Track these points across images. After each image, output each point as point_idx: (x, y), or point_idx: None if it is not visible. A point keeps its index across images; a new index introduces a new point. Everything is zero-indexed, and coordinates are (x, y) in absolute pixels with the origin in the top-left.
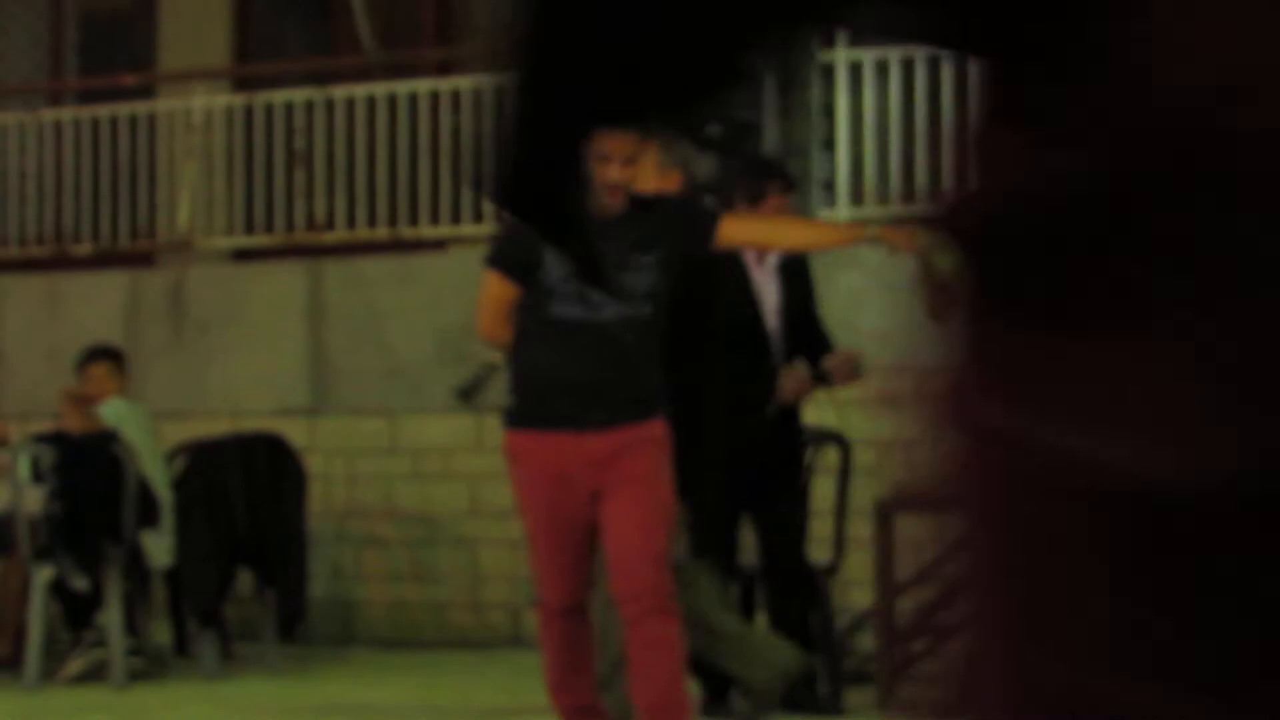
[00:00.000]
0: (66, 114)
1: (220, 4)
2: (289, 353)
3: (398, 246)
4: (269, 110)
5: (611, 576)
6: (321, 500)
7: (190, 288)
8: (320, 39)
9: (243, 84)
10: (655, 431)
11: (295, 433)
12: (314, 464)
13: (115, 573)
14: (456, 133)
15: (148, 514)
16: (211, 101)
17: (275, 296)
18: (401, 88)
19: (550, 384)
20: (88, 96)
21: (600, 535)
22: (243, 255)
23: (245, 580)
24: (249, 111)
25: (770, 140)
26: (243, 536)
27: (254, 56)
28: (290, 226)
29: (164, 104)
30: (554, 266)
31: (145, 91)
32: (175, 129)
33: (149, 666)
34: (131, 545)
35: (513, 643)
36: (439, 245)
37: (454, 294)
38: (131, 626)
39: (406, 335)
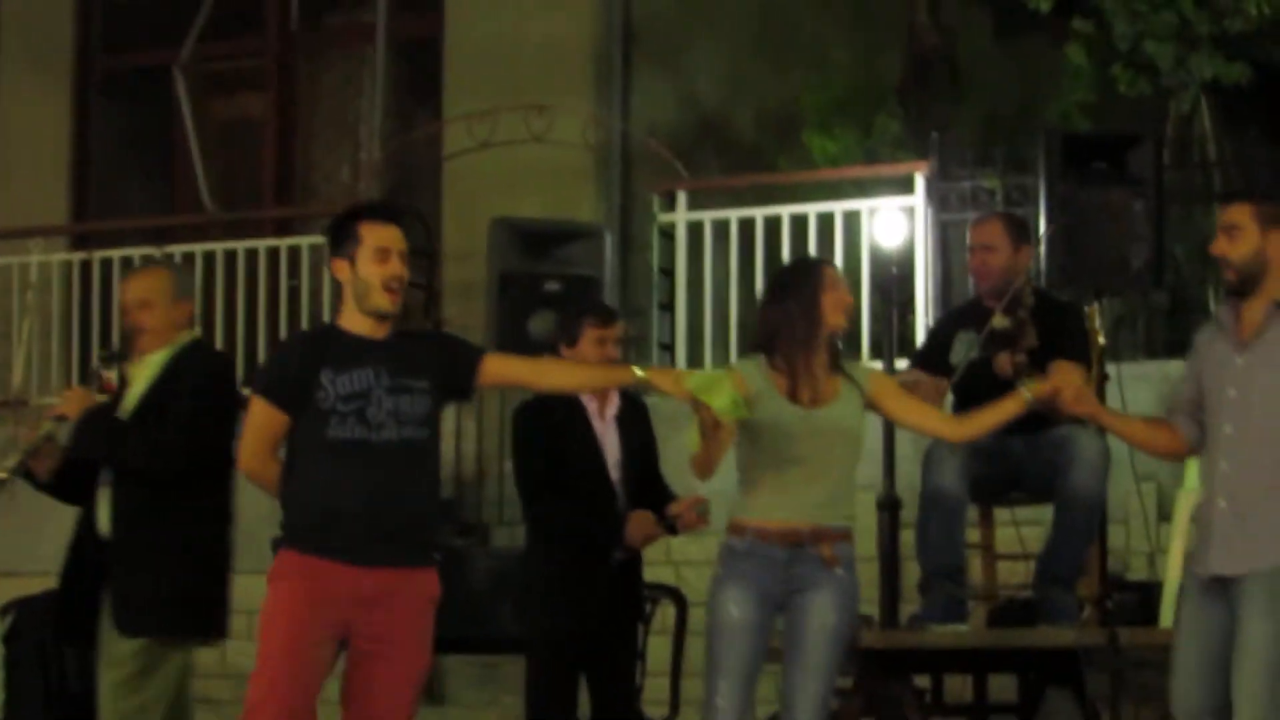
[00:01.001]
0: None
1: (59, 161)
2: None
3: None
4: (107, 267)
5: None
6: None
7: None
8: (160, 197)
9: (80, 241)
10: (428, 585)
11: None
12: None
13: None
14: (294, 291)
15: None
16: (49, 258)
17: None
18: (240, 246)
19: (326, 509)
20: None
21: (346, 685)
22: None
23: None
24: (86, 268)
25: (610, 300)
26: (75, 693)
27: (93, 214)
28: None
29: (0, 260)
30: (334, 385)
31: None
32: (12, 285)
33: None
34: None
35: None
36: None
37: None
38: None
39: (241, 493)
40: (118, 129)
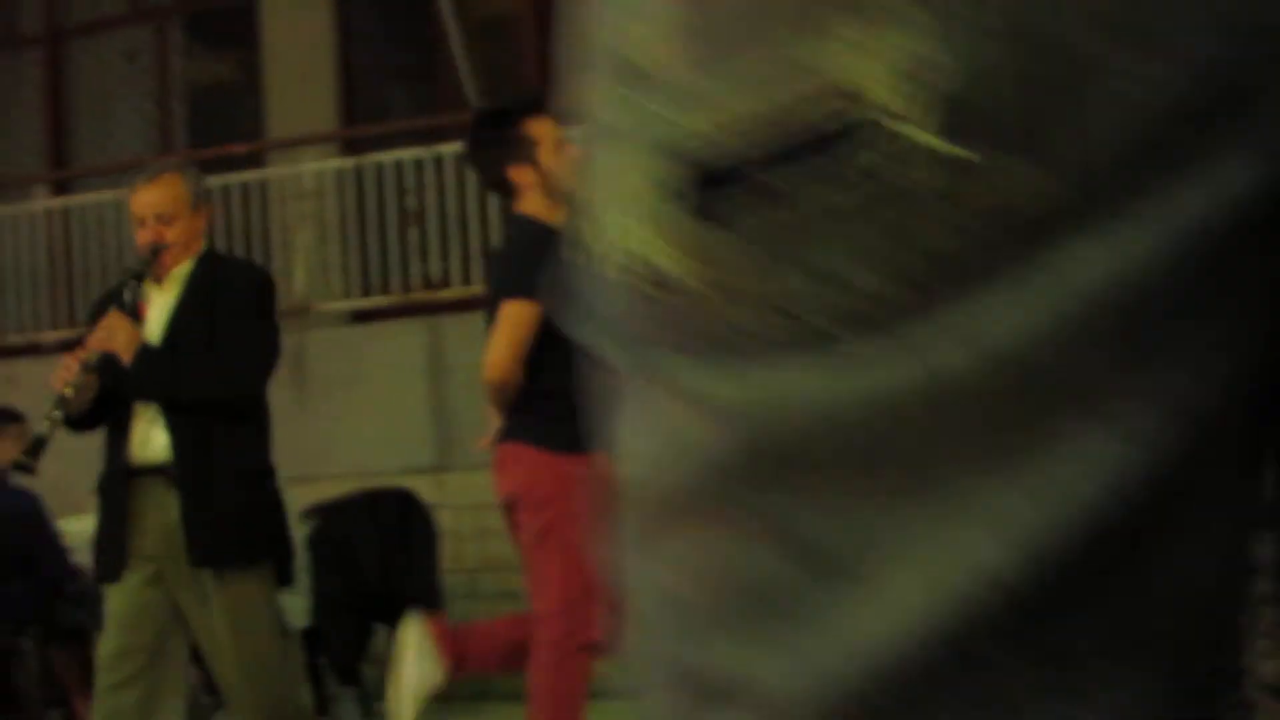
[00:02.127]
0: None
1: (325, 70)
2: (412, 411)
3: None
4: (379, 171)
5: None
6: (453, 556)
7: (311, 351)
8: (425, 99)
9: (351, 147)
10: None
11: (423, 489)
12: (443, 520)
13: None
14: None
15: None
16: (322, 166)
17: (396, 356)
18: None
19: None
20: (199, 168)
21: None
22: (361, 317)
23: (383, 638)
24: (359, 174)
25: None
26: (377, 592)
27: (360, 120)
28: (406, 286)
29: (274, 171)
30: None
31: (255, 160)
32: (287, 195)
33: None
34: None
35: None
36: None
37: None
38: None
39: None
40: (380, 31)
